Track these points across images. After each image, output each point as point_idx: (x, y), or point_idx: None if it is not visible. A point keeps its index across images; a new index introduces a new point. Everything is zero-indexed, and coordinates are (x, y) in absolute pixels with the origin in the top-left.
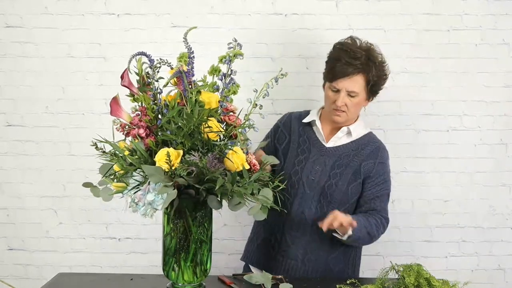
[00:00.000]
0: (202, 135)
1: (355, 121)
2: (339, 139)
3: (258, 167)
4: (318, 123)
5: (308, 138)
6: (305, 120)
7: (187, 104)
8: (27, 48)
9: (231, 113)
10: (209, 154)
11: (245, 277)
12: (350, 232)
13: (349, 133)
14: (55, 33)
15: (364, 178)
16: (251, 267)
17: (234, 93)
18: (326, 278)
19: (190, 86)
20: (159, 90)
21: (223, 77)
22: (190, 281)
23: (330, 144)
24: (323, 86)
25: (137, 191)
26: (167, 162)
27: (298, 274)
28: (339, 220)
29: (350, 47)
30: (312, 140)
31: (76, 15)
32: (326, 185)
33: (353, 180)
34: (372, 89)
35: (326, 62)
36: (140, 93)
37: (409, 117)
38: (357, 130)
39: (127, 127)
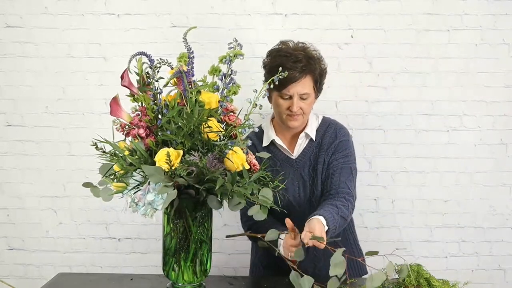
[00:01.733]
0: (202, 135)
1: (307, 121)
2: (301, 146)
3: (258, 167)
4: (278, 140)
5: (276, 157)
6: (265, 144)
7: (187, 104)
8: (27, 48)
9: (231, 113)
10: (209, 154)
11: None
12: (325, 228)
13: (307, 136)
14: (55, 33)
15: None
16: None
17: (234, 93)
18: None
19: (190, 86)
20: (159, 90)
21: (223, 77)
22: (190, 281)
23: (295, 154)
24: (269, 97)
25: (137, 191)
26: (167, 162)
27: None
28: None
29: (288, 51)
30: (280, 158)
31: (76, 15)
32: (310, 195)
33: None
34: (319, 87)
35: (267, 72)
36: (140, 93)
37: (409, 117)
38: (313, 130)
39: (127, 127)
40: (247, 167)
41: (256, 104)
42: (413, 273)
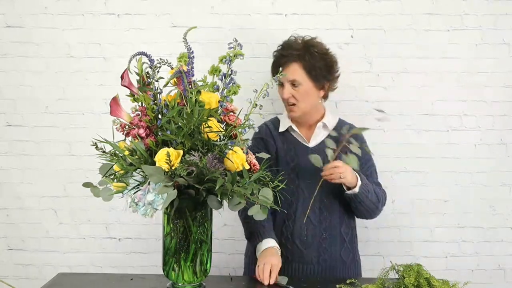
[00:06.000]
0: (202, 135)
1: (323, 114)
2: (318, 136)
3: (258, 167)
4: (294, 127)
5: (291, 143)
6: (282, 129)
7: (187, 104)
8: (27, 48)
9: (231, 113)
10: (209, 154)
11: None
12: (359, 182)
13: (325, 126)
14: (55, 33)
15: None
16: None
17: (235, 93)
18: (326, 277)
19: (190, 86)
20: (159, 90)
21: (223, 77)
22: (190, 281)
23: (312, 143)
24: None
25: (137, 191)
26: (167, 162)
27: (316, 275)
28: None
29: (287, 42)
30: (296, 144)
31: (76, 15)
32: (322, 182)
33: None
34: (317, 77)
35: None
36: (140, 93)
37: (409, 117)
38: (330, 122)
39: (127, 127)
40: (247, 167)
41: (256, 104)
42: (413, 273)
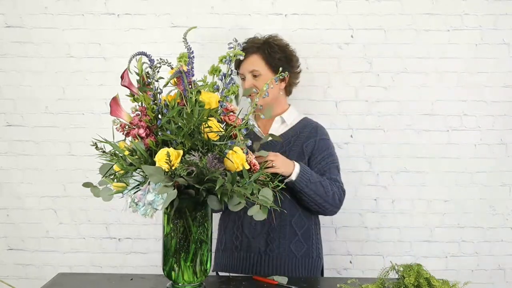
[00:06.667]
0: (202, 135)
1: (286, 109)
2: (277, 130)
3: (258, 167)
4: (252, 121)
5: (247, 135)
6: None
7: (187, 104)
8: (27, 48)
9: (231, 113)
10: (209, 154)
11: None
12: (296, 170)
13: (283, 122)
14: (55, 33)
15: (309, 157)
16: (220, 274)
17: (234, 93)
18: (326, 277)
19: (190, 86)
20: (159, 90)
21: (223, 77)
22: (190, 281)
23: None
24: None
25: (137, 191)
26: (167, 162)
27: (264, 266)
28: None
29: (249, 38)
30: (252, 137)
31: (76, 15)
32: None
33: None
34: (276, 67)
35: None
36: (140, 93)
37: (409, 117)
38: (291, 118)
39: (127, 127)
40: (247, 167)
41: (256, 104)
42: (413, 273)
